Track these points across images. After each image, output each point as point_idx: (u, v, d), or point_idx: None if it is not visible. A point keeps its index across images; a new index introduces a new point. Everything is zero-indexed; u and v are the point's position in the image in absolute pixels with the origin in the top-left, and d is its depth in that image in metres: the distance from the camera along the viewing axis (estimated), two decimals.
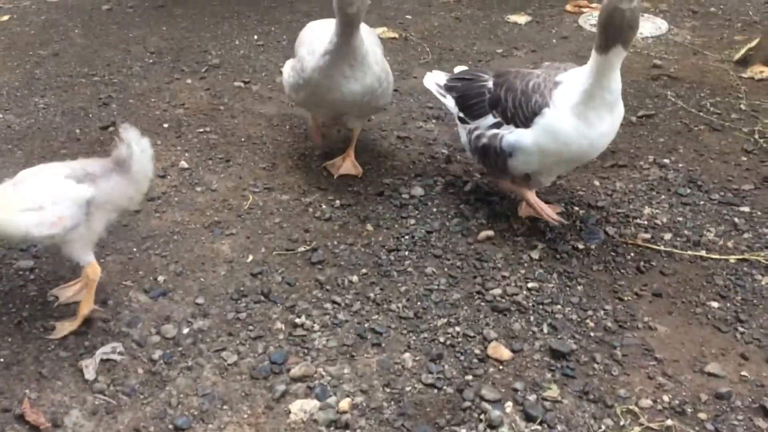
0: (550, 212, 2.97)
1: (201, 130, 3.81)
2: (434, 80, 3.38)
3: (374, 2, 5.91)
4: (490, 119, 2.93)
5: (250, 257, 2.86)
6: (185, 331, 2.46)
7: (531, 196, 3.00)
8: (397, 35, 5.28)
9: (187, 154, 3.58)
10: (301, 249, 2.91)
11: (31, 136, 3.72)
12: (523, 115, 2.77)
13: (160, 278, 2.71)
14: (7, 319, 2.49)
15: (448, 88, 3.23)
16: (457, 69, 3.77)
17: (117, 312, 2.53)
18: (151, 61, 4.66)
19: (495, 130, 2.88)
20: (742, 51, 4.74)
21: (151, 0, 5.94)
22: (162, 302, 2.59)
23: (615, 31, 2.48)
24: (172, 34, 5.10)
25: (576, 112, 2.65)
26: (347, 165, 3.42)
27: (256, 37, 5.18)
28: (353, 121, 3.39)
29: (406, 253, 2.91)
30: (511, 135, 2.81)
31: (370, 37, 3.16)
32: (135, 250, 2.87)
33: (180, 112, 4.01)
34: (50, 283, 2.67)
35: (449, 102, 3.21)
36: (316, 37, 3.08)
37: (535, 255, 2.87)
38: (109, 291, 2.63)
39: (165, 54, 4.77)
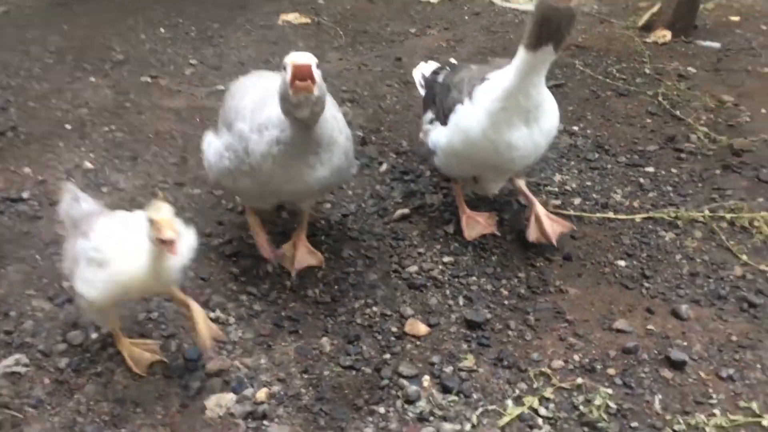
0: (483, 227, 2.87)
1: (106, 129, 3.68)
2: (421, 71, 3.19)
3: None
4: (429, 115, 2.83)
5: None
6: (93, 336, 2.37)
7: (463, 208, 2.91)
8: (309, 20, 5.23)
9: (91, 155, 3.45)
10: (215, 242, 2.85)
11: None
12: (443, 113, 2.63)
13: (66, 284, 2.61)
14: None
15: (425, 82, 3.09)
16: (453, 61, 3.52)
17: (20, 323, 2.42)
18: (51, 61, 4.47)
19: (429, 126, 2.78)
20: (645, 16, 4.89)
21: None
22: (68, 309, 2.48)
23: (549, 30, 2.22)
24: (74, 33, 4.91)
25: (488, 110, 2.42)
26: (302, 255, 2.69)
27: (162, 30, 5.03)
28: (306, 204, 2.70)
29: (322, 237, 2.88)
30: (434, 132, 2.70)
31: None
32: (38, 257, 2.75)
33: (83, 111, 3.86)
34: None
35: (423, 95, 3.07)
36: (259, 104, 2.30)
37: (449, 229, 2.89)
38: (11, 302, 2.51)
39: (66, 53, 4.58)
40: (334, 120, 2.34)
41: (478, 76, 2.54)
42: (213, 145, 2.51)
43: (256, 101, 2.33)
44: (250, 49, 4.77)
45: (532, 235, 2.73)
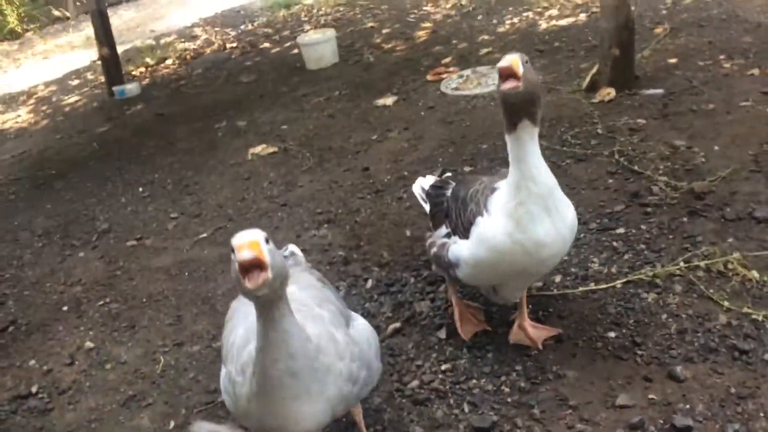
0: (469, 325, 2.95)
1: (101, 302, 3.81)
2: (421, 185, 3.23)
3: (249, 121, 6.14)
4: (443, 230, 2.82)
5: (172, 423, 2.84)
6: None
7: (457, 303, 2.99)
8: (276, 149, 5.46)
9: (91, 333, 3.57)
10: (220, 399, 2.91)
11: None
12: (463, 226, 2.63)
13: None
14: None
15: (427, 196, 3.10)
16: (446, 175, 3.56)
17: None
18: (40, 244, 4.66)
19: (445, 240, 2.77)
20: (588, 78, 5.12)
21: (31, 180, 5.98)
22: None
23: (514, 110, 2.30)
24: (58, 210, 5.13)
25: (507, 212, 2.42)
26: (536, 332, 2.82)
27: (141, 189, 5.25)
28: None
29: None
30: (455, 246, 2.67)
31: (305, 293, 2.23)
32: None
33: (78, 290, 4.01)
34: None
35: (427, 209, 3.08)
36: (244, 339, 2.10)
37: (442, 335, 2.97)
38: None
39: (53, 233, 4.78)
40: (331, 344, 2.02)
41: (489, 186, 2.58)
42: (223, 378, 2.23)
43: (241, 336, 2.13)
44: (225, 189, 4.97)
45: (514, 337, 2.83)
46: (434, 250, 2.83)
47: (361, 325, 2.31)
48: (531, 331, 2.83)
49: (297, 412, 1.94)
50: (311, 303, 2.15)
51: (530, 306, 2.98)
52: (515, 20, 7.45)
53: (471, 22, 7.83)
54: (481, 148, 4.61)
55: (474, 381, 2.70)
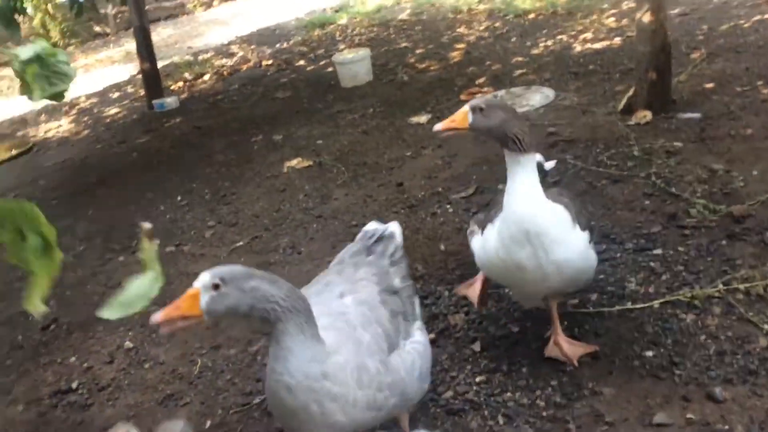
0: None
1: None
2: None
3: (285, 136, 6.25)
4: (480, 216, 3.01)
5: (208, 423, 2.89)
6: None
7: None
8: (311, 162, 5.55)
9: (130, 333, 3.64)
10: (257, 401, 2.96)
11: None
12: (483, 224, 2.75)
13: None
14: None
15: None
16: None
17: None
18: (81, 247, 4.78)
19: (473, 228, 2.90)
20: (623, 100, 5.14)
21: (73, 187, 6.14)
22: None
23: (491, 139, 2.47)
24: (100, 216, 5.26)
25: (498, 230, 2.54)
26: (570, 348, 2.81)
27: (179, 198, 5.37)
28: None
29: None
30: (475, 237, 2.82)
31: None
32: None
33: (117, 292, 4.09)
34: None
35: None
36: None
37: (476, 347, 2.99)
38: None
39: (94, 237, 4.90)
40: (353, 372, 1.97)
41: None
42: None
43: None
44: (261, 200, 5.06)
45: (549, 352, 2.83)
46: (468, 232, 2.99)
47: (409, 349, 2.24)
48: (566, 347, 2.84)
49: (297, 426, 1.97)
50: (356, 323, 2.12)
51: (565, 322, 2.99)
52: (549, 43, 7.51)
53: (504, 44, 7.91)
54: None
55: (509, 394, 2.71)
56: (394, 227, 2.62)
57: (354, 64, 7.47)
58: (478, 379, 2.81)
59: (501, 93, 6.12)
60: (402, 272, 2.47)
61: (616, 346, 2.84)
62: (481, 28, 8.92)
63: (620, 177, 4.19)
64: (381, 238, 2.54)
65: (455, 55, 7.84)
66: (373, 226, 2.65)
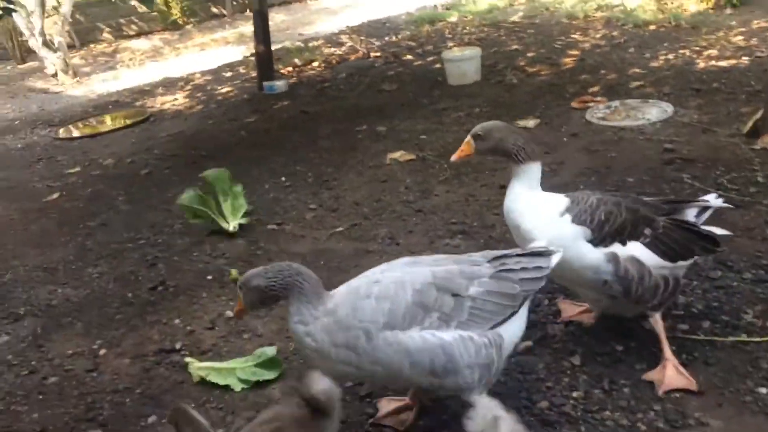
0: None
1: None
2: None
3: (389, 128, 6.30)
4: None
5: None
6: None
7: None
8: (414, 156, 5.56)
9: (231, 303, 3.77)
10: (349, 384, 3.00)
11: (89, 306, 3.99)
12: None
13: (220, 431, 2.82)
14: None
15: None
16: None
17: None
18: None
19: None
20: (750, 123, 4.86)
21: (185, 158, 6.43)
22: None
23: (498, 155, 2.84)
24: (207, 188, 5.46)
25: None
26: (672, 376, 2.72)
27: (283, 178, 5.52)
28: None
29: None
30: None
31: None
32: (194, 406, 2.99)
33: (221, 262, 4.26)
34: None
35: None
36: None
37: (576, 361, 2.92)
38: None
39: None
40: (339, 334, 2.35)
41: None
42: None
43: None
44: (362, 189, 5.13)
45: (653, 375, 2.75)
46: None
47: (416, 336, 2.33)
48: (669, 372, 2.71)
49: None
50: (373, 293, 2.38)
51: (673, 347, 2.86)
52: (670, 56, 7.20)
53: (621, 54, 7.65)
54: (626, 180, 4.48)
55: (608, 413, 2.62)
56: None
57: (463, 62, 7.43)
58: (575, 394, 2.74)
59: (615, 104, 5.93)
60: (493, 288, 2.43)
61: (727, 378, 2.70)
62: (597, 35, 8.66)
63: (741, 202, 3.97)
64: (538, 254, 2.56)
65: (568, 62, 7.66)
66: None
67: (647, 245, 2.71)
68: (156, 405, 3.04)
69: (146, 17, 16.13)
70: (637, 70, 6.87)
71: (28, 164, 7.22)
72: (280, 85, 8.48)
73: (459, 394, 2.47)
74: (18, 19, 11.37)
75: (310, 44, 11.28)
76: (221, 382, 3.04)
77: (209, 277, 4.09)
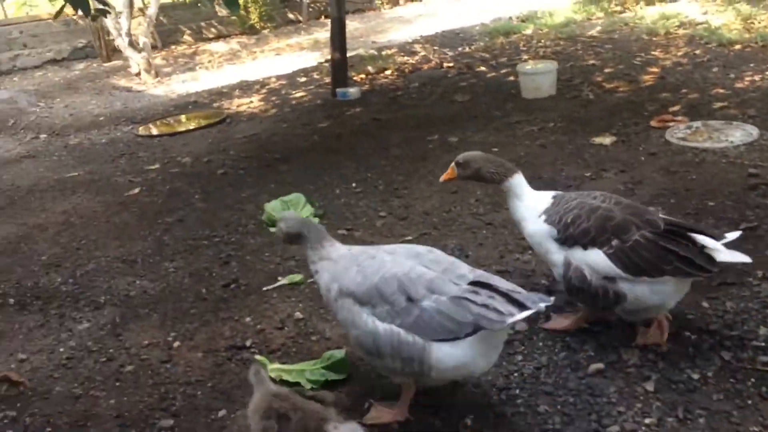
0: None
1: (311, 279, 4.10)
2: None
3: (460, 139, 6.30)
4: None
5: (366, 404, 2.98)
6: None
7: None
8: None
9: (300, 305, 3.85)
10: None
11: (164, 299, 4.14)
12: None
13: None
14: None
15: None
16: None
17: None
18: (262, 217, 5.11)
19: None
20: None
21: (258, 160, 6.59)
22: None
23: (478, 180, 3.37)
24: (280, 191, 5.58)
25: None
26: None
27: (354, 184, 5.59)
28: None
29: (517, 391, 2.95)
30: None
31: None
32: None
33: (292, 264, 4.35)
34: None
35: None
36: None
37: (649, 387, 2.84)
38: None
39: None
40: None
41: None
42: None
43: None
44: (432, 199, 5.14)
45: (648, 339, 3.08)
46: None
47: (357, 313, 2.69)
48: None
49: None
50: (365, 267, 2.73)
51: (752, 380, 2.76)
52: (756, 78, 6.94)
53: (704, 73, 7.42)
54: (707, 204, 4.34)
55: None
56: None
57: (539, 75, 7.36)
58: (647, 420, 2.67)
59: (697, 124, 5.75)
60: (444, 308, 2.52)
61: None
62: (679, 53, 8.43)
63: None
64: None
65: (647, 79, 7.48)
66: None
67: (609, 255, 2.88)
68: (226, 400, 3.12)
69: (225, 21, 16.63)
70: (721, 91, 6.65)
71: (111, 159, 7.55)
72: (353, 92, 8.60)
73: (388, 375, 2.83)
74: (107, 19, 11.92)
75: (384, 52, 11.39)
76: (291, 380, 3.11)
77: (279, 278, 4.18)
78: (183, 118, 9.23)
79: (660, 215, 2.98)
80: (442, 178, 3.46)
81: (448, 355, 2.54)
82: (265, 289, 4.07)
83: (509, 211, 3.31)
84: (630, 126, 6.06)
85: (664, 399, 2.77)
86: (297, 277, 4.10)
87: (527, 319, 3.32)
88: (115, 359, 3.60)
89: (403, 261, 2.69)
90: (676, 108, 6.30)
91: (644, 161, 5.27)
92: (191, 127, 8.52)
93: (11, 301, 4.40)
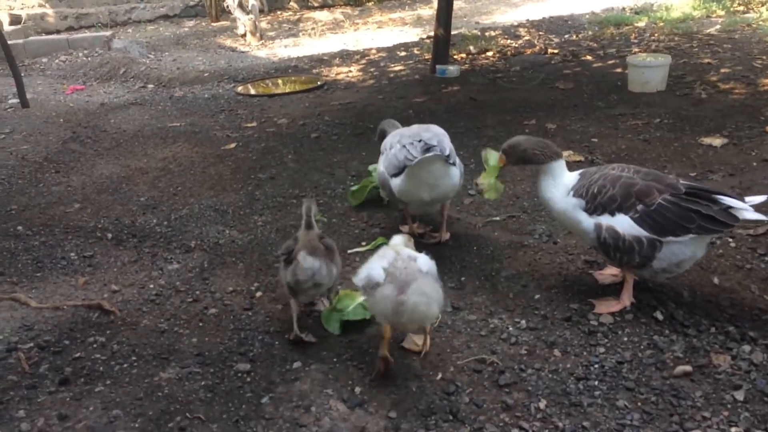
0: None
1: None
2: None
3: (558, 126, 6.12)
4: None
5: (440, 375, 2.97)
6: None
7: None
8: (582, 158, 5.37)
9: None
10: (489, 370, 2.98)
11: (251, 250, 4.26)
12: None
13: (357, 389, 2.91)
14: (227, 416, 2.80)
15: None
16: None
17: (317, 419, 2.75)
18: (351, 183, 5.16)
19: None
20: None
21: (352, 128, 6.64)
22: (358, 413, 2.77)
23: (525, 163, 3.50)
24: (369, 158, 5.62)
25: None
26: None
27: None
28: None
29: (596, 383, 2.86)
30: None
31: None
32: (335, 360, 3.12)
33: (376, 231, 4.37)
34: (262, 386, 2.97)
35: None
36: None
37: (739, 396, 2.69)
38: (312, 398, 2.86)
39: (363, 177, 5.25)
40: None
41: None
42: None
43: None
44: (524, 183, 5.03)
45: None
46: None
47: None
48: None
49: None
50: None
51: None
52: None
53: None
54: None
55: None
56: None
57: (650, 68, 7.03)
58: (733, 430, 2.53)
59: None
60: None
61: None
62: None
63: None
64: None
65: (767, 83, 7.01)
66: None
67: (635, 219, 3.09)
68: (302, 353, 3.18)
69: None
70: None
71: (212, 113, 7.80)
72: (452, 69, 8.50)
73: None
74: None
75: (487, 33, 11.19)
76: (359, 317, 3.33)
77: (363, 243, 4.21)
78: (281, 81, 9.41)
79: (680, 180, 3.15)
80: (498, 161, 3.57)
81: (395, 184, 3.84)
82: (349, 252, 4.11)
83: (538, 189, 3.44)
84: (743, 129, 5.71)
85: (754, 410, 2.61)
86: (381, 240, 4.12)
87: (612, 312, 3.26)
88: (200, 301, 3.73)
89: (405, 130, 3.93)
90: None
91: (756, 167, 4.95)
92: (289, 90, 8.67)
93: (109, 236, 4.63)
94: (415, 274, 2.80)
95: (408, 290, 2.74)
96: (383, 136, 4.22)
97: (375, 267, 2.88)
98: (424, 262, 2.90)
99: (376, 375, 2.95)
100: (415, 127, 3.94)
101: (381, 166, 3.99)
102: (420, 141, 3.65)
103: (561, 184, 3.37)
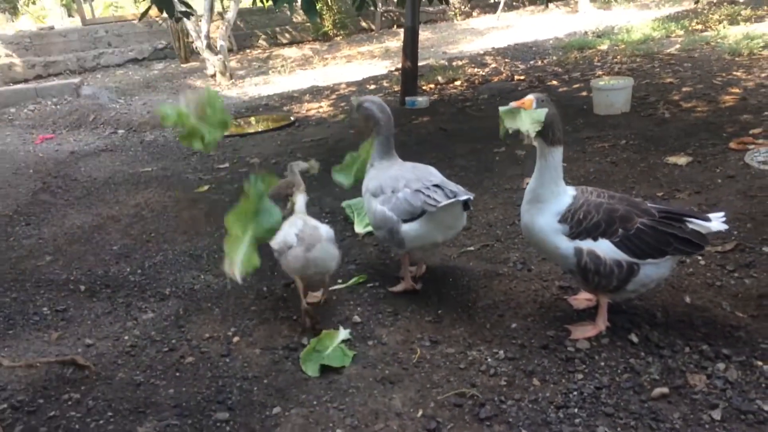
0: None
1: (370, 284, 4.11)
2: None
3: (528, 153, 6.21)
4: None
5: (420, 411, 2.96)
6: None
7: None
8: None
9: (359, 309, 3.86)
10: (469, 403, 2.97)
11: (227, 294, 4.23)
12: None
13: (338, 431, 2.88)
14: None
15: None
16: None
17: None
18: (326, 220, 5.16)
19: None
20: None
21: (325, 164, 6.62)
22: None
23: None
24: (344, 195, 5.63)
25: None
26: None
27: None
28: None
29: (576, 410, 2.87)
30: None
31: None
32: (315, 403, 3.09)
33: (352, 267, 4.37)
34: None
35: None
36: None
37: (716, 415, 2.71)
38: None
39: (337, 214, 5.27)
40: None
41: None
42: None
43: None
44: (497, 211, 5.08)
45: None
46: None
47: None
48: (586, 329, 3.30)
49: None
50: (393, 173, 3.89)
51: None
52: None
53: None
54: None
55: None
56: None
57: (613, 91, 7.19)
58: None
59: None
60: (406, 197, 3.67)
61: None
62: (763, 74, 8.09)
63: None
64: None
65: (728, 100, 7.20)
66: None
67: (616, 243, 3.15)
68: (281, 397, 3.15)
69: (299, 27, 16.99)
70: None
71: (184, 156, 7.79)
72: (421, 101, 8.61)
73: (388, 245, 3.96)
74: (188, 22, 12.35)
75: (454, 63, 11.37)
76: (337, 364, 3.33)
77: (339, 281, 4.21)
78: (253, 120, 9.45)
79: (648, 204, 3.27)
80: (515, 103, 3.29)
81: (411, 229, 3.67)
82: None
83: (534, 177, 3.36)
84: (707, 147, 5.84)
85: (731, 429, 2.64)
86: (361, 278, 4.13)
87: (589, 337, 3.29)
88: (177, 350, 3.69)
89: (400, 172, 3.81)
90: (757, 131, 6.03)
91: (721, 184, 5.06)
92: (261, 129, 8.70)
93: (82, 287, 4.57)
94: (319, 237, 3.58)
95: (314, 249, 3.53)
96: (369, 116, 4.00)
97: (289, 233, 3.60)
98: (326, 230, 3.67)
99: (305, 329, 3.62)
100: (408, 168, 3.83)
101: (385, 210, 3.72)
102: (436, 186, 3.58)
103: (558, 192, 3.29)
